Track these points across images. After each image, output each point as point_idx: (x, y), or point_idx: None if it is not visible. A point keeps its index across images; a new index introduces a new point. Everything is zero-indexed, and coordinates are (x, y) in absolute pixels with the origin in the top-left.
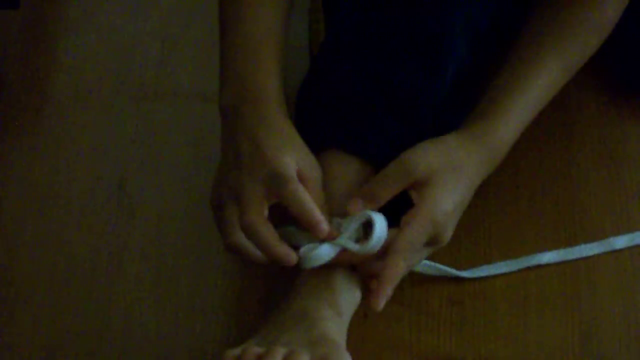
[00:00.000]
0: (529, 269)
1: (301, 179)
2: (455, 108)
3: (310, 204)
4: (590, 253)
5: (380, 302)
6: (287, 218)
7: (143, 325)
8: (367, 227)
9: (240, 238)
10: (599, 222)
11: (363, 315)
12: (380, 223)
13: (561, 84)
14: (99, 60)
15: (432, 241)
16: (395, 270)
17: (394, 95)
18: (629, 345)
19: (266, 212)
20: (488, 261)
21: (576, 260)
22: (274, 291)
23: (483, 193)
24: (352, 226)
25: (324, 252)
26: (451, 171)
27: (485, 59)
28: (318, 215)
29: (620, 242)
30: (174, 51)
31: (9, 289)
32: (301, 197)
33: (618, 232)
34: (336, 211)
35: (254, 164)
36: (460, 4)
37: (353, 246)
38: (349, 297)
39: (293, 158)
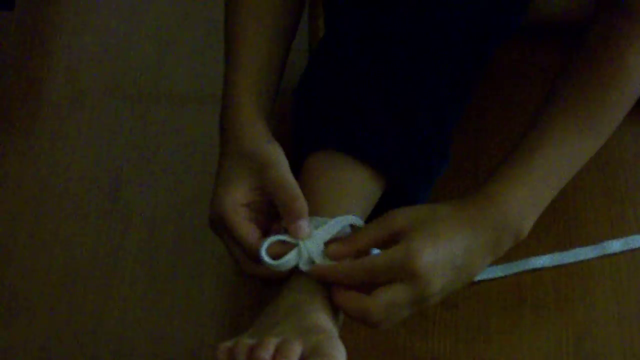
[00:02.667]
0: (523, 272)
1: (264, 187)
2: (452, 108)
3: (251, 242)
4: (585, 257)
5: (318, 271)
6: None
7: (138, 327)
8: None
9: (250, 271)
10: (593, 227)
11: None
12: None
13: (584, 150)
14: (94, 62)
15: (412, 289)
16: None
17: (390, 95)
18: (623, 349)
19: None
20: None
21: (570, 264)
22: (268, 294)
23: None
24: (321, 235)
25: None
26: (444, 227)
27: (483, 59)
28: (255, 249)
29: (615, 246)
30: (169, 53)
31: (4, 291)
32: (243, 241)
33: (613, 236)
34: (331, 211)
35: (210, 207)
36: (456, 3)
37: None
38: None
39: (238, 183)
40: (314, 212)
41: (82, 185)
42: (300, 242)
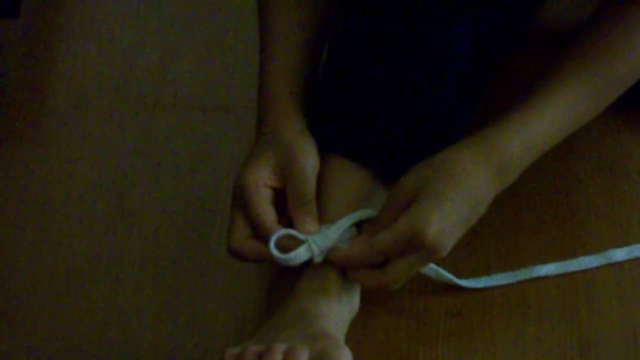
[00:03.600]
0: (528, 281)
1: (285, 177)
2: (460, 116)
3: (266, 222)
4: (590, 265)
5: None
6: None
7: (141, 334)
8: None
9: (234, 246)
10: (598, 235)
11: (362, 326)
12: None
13: (587, 112)
14: (99, 69)
15: (423, 255)
16: (356, 255)
17: (396, 101)
18: (627, 357)
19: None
20: (487, 272)
21: (575, 272)
22: (273, 301)
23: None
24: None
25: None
26: (441, 181)
27: (490, 67)
28: (266, 230)
29: (620, 254)
30: (173, 61)
31: (7, 297)
32: (258, 217)
33: (618, 244)
34: (334, 216)
35: (236, 183)
36: (464, 11)
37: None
38: (347, 301)
39: (265, 163)
40: (319, 216)
41: (86, 192)
42: (310, 238)
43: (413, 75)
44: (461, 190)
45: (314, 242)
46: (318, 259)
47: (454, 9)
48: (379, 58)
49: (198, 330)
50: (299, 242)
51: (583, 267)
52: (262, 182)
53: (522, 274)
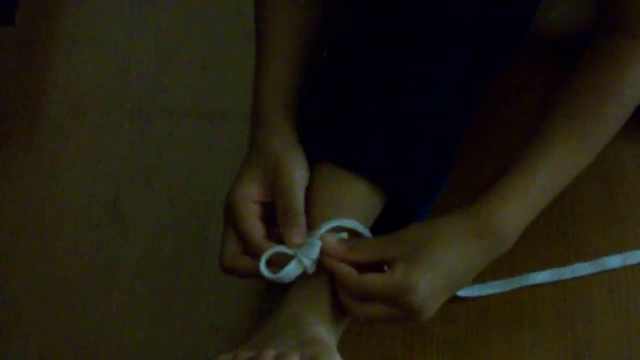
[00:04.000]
0: (523, 288)
1: (273, 191)
2: (455, 123)
3: (254, 238)
4: (584, 273)
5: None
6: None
7: (137, 341)
8: None
9: (227, 263)
10: (593, 242)
11: (356, 333)
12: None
13: (580, 163)
14: (94, 76)
15: (405, 315)
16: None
17: (390, 109)
18: None
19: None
20: (481, 279)
21: (570, 279)
22: (266, 306)
23: None
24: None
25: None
26: (443, 248)
27: (485, 73)
28: (255, 245)
29: (614, 262)
30: (168, 68)
31: (3, 305)
32: (246, 233)
33: (612, 251)
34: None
35: (225, 200)
36: (459, 18)
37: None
38: (339, 308)
39: (251, 179)
40: (311, 224)
41: (82, 199)
42: (298, 253)
43: (406, 83)
44: (455, 262)
45: (303, 254)
46: (311, 271)
47: (449, 16)
48: (372, 65)
49: (192, 336)
50: (290, 257)
51: (577, 274)
52: (249, 198)
53: (517, 282)
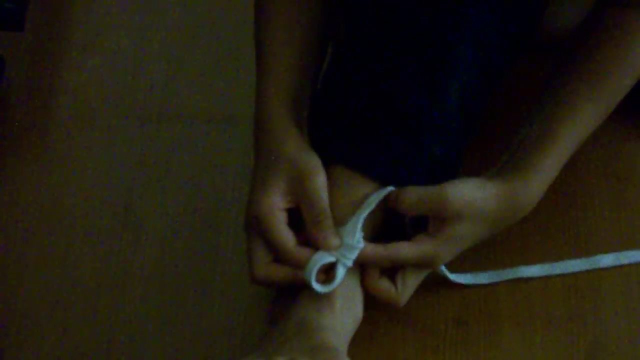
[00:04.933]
0: (534, 288)
1: (297, 194)
2: (463, 126)
3: (288, 246)
4: (575, 269)
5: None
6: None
7: (148, 347)
8: None
9: (260, 273)
10: (604, 241)
11: (368, 336)
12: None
13: (595, 127)
14: (104, 81)
15: (424, 265)
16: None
17: (399, 113)
18: None
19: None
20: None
21: (582, 279)
22: (278, 310)
23: None
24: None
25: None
26: (477, 217)
27: (493, 76)
28: (296, 257)
29: (606, 260)
30: (179, 73)
31: (15, 309)
32: (279, 242)
33: (622, 250)
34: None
35: (248, 210)
36: (466, 22)
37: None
38: (349, 312)
39: (276, 186)
40: None
41: (93, 204)
42: (341, 257)
43: (415, 85)
44: (482, 234)
45: (346, 257)
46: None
47: (457, 21)
48: (381, 68)
49: (204, 340)
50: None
51: (568, 270)
52: (276, 207)
53: (506, 274)
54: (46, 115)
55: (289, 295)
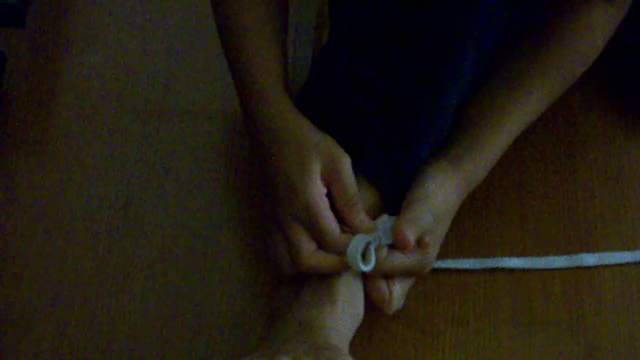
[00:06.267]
0: (534, 289)
1: (329, 180)
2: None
3: (335, 233)
4: (557, 266)
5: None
6: None
7: (148, 345)
8: None
9: (309, 262)
10: (603, 241)
11: (368, 336)
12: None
13: (541, 111)
14: (105, 78)
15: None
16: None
17: (392, 116)
18: None
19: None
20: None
21: (582, 280)
22: (275, 308)
23: (494, 218)
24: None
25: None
26: (436, 203)
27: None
28: (342, 243)
29: (590, 259)
30: (179, 70)
31: (14, 306)
32: (327, 230)
33: (621, 249)
34: None
35: (290, 200)
36: (468, 25)
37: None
38: (351, 311)
39: (317, 172)
40: None
41: (93, 201)
42: (377, 238)
43: (408, 85)
44: (448, 221)
45: (383, 239)
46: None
47: (457, 22)
48: (374, 68)
49: (204, 338)
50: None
51: (550, 266)
52: (323, 193)
53: (489, 263)
54: (47, 111)
55: (288, 290)
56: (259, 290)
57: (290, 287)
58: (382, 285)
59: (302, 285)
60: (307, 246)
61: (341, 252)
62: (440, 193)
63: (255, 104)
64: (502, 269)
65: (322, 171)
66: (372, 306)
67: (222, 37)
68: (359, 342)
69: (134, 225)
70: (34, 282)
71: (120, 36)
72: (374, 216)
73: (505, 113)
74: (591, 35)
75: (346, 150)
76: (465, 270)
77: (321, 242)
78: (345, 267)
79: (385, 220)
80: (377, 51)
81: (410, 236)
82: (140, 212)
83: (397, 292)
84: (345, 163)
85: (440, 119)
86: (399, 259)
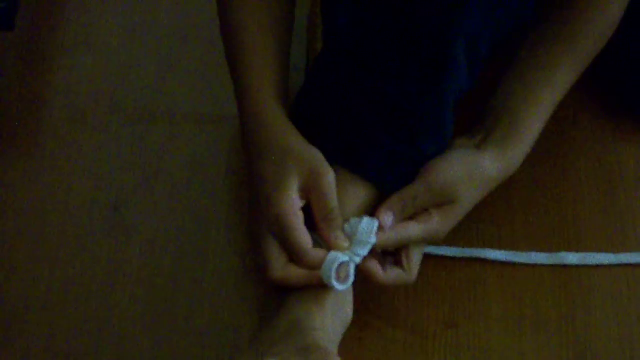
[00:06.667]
0: (524, 290)
1: (310, 191)
2: (451, 127)
3: (306, 248)
4: (538, 262)
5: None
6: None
7: (137, 348)
8: None
9: (278, 275)
10: (595, 242)
11: (357, 338)
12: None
13: (572, 85)
14: (95, 82)
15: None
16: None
17: (392, 113)
18: None
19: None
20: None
21: (572, 280)
22: (267, 312)
23: (484, 215)
24: (360, 227)
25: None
26: (475, 187)
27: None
28: (312, 258)
29: (571, 258)
30: (169, 73)
31: (4, 310)
32: (298, 244)
33: (609, 249)
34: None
35: (265, 210)
36: (463, 23)
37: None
38: (339, 313)
39: (293, 185)
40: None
41: (83, 204)
42: (353, 256)
43: (404, 85)
44: (481, 196)
45: (357, 255)
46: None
47: (454, 20)
48: (370, 69)
49: (194, 341)
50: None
51: (531, 261)
52: (296, 206)
53: (471, 252)
54: (36, 114)
55: (279, 296)
56: (248, 293)
57: (280, 289)
58: (392, 274)
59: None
60: (276, 259)
61: (314, 267)
62: (489, 182)
63: (246, 110)
64: (492, 270)
65: (302, 185)
66: (361, 308)
67: (223, 39)
68: (348, 344)
69: (123, 228)
70: (25, 283)
71: (109, 40)
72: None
73: (538, 94)
74: (609, 8)
75: (345, 154)
76: (456, 272)
77: (292, 256)
78: (321, 283)
79: (364, 225)
80: (371, 51)
81: (387, 220)
82: (130, 214)
83: (411, 262)
84: (326, 178)
85: (439, 115)
86: (415, 230)
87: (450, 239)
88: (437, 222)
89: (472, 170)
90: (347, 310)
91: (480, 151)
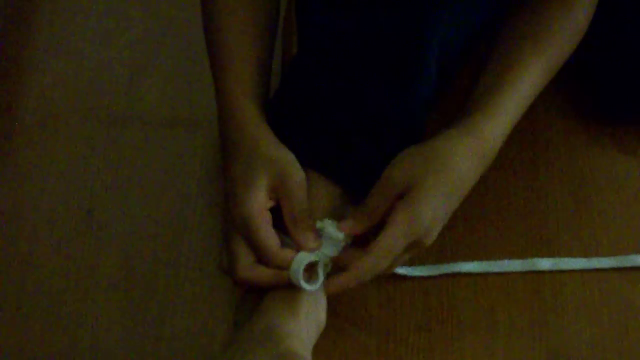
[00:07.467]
0: (497, 295)
1: (278, 192)
2: (423, 123)
3: (272, 248)
4: (511, 269)
5: (334, 288)
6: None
7: (110, 352)
8: None
9: (244, 275)
10: (567, 245)
11: (331, 343)
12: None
13: (543, 85)
14: (68, 86)
15: (414, 245)
16: (362, 269)
17: (363, 117)
18: None
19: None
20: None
21: (545, 286)
22: (241, 318)
23: (456, 223)
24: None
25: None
26: (435, 174)
27: (453, 72)
28: (279, 258)
29: (544, 264)
30: (142, 77)
31: None
32: (264, 244)
33: (582, 254)
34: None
35: (233, 210)
36: (435, 28)
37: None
38: (312, 318)
39: (261, 185)
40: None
41: (56, 208)
42: (322, 256)
43: (379, 90)
44: (453, 182)
45: (326, 256)
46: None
47: (424, 24)
48: (343, 71)
49: (166, 346)
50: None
51: (505, 269)
52: (263, 207)
53: (445, 268)
54: (9, 118)
55: (254, 300)
56: (222, 299)
57: (253, 295)
58: (337, 282)
59: (264, 293)
60: (243, 259)
61: (282, 268)
62: (456, 165)
63: (221, 110)
64: (466, 276)
65: (271, 185)
66: (335, 314)
67: (205, 38)
68: (322, 348)
69: (97, 232)
70: None
71: (83, 43)
72: (339, 217)
73: (508, 87)
74: (574, 10)
75: (314, 156)
76: (429, 277)
77: (259, 256)
78: (289, 284)
79: (329, 229)
80: (342, 55)
81: (354, 228)
82: (103, 218)
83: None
84: (296, 179)
85: (409, 119)
86: (391, 238)
87: (428, 253)
88: (404, 216)
89: (426, 152)
90: (321, 315)
91: (436, 136)
